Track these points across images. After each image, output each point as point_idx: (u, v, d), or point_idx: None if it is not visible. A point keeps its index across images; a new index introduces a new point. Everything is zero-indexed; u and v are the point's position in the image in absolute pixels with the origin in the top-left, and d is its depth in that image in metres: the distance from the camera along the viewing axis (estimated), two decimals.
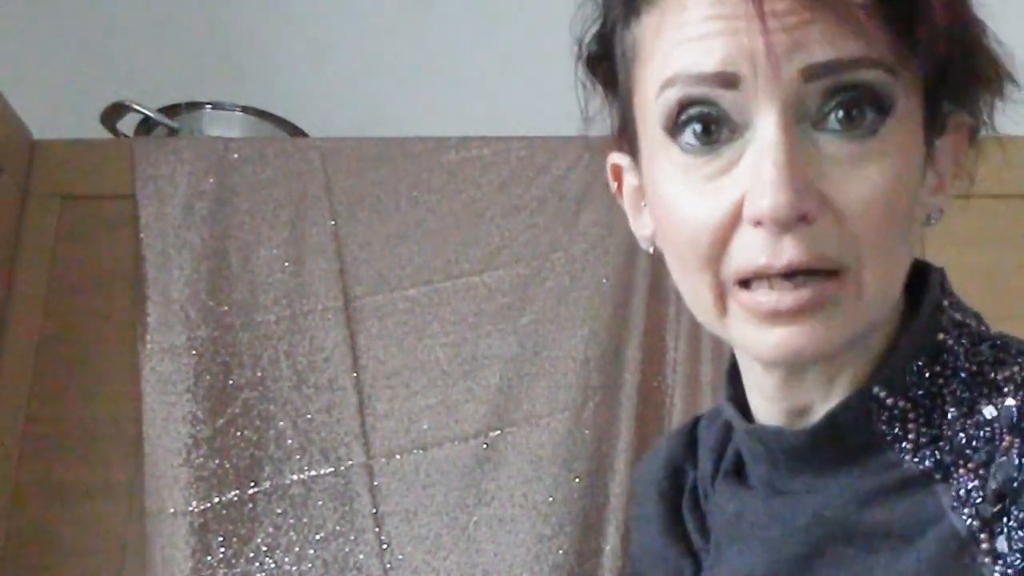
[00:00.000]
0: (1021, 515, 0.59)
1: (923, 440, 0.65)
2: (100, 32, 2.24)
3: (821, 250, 0.63)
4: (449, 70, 2.23)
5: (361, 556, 1.57)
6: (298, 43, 2.25)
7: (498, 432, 1.60)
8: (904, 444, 0.65)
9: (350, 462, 1.60)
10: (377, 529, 1.57)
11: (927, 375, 0.67)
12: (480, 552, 1.56)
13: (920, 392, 0.66)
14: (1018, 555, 0.58)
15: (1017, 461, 0.60)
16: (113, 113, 1.82)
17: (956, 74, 0.71)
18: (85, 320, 1.70)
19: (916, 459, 0.65)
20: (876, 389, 0.67)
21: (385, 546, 1.57)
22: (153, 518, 1.56)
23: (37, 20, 2.24)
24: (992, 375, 0.66)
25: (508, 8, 2.29)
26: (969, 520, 0.61)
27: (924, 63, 0.66)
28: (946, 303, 0.70)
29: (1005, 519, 0.59)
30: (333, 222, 1.72)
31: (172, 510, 1.55)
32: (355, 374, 1.64)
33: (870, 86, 0.64)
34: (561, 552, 1.53)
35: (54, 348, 1.69)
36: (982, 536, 0.60)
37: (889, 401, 0.66)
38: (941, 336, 0.68)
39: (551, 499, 1.56)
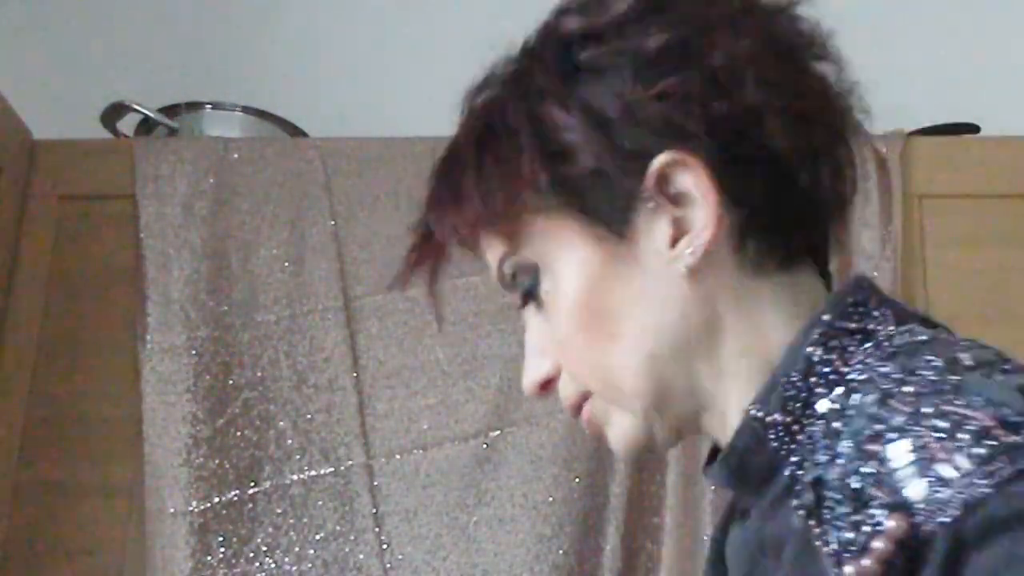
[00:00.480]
0: (834, 506, 0.58)
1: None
2: (100, 32, 2.24)
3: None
4: (449, 70, 2.22)
5: (361, 556, 1.57)
6: (298, 43, 2.25)
7: (498, 432, 1.60)
8: (791, 456, 0.66)
9: (350, 462, 1.60)
10: (377, 529, 1.57)
11: (801, 388, 0.66)
12: (480, 552, 1.56)
13: (798, 405, 0.66)
14: (835, 544, 0.58)
15: (825, 457, 0.61)
16: (113, 113, 1.82)
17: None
18: (85, 320, 1.70)
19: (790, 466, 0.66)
20: (753, 410, 0.67)
21: (385, 546, 1.57)
22: (153, 518, 1.56)
23: (36, 20, 2.24)
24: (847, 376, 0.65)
25: (508, 8, 2.29)
26: (802, 515, 0.61)
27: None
28: (827, 317, 0.67)
29: (822, 511, 0.59)
30: (333, 222, 1.72)
31: (172, 510, 1.55)
32: (355, 374, 1.64)
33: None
34: (561, 552, 1.53)
35: (54, 348, 1.69)
36: (814, 530, 0.60)
37: (769, 419, 0.66)
38: (810, 349, 0.66)
39: (551, 499, 1.56)
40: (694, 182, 0.68)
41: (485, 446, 1.59)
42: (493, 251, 0.75)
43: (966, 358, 0.61)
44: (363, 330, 1.66)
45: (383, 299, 1.68)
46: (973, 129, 1.85)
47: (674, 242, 0.69)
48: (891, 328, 0.67)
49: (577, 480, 1.56)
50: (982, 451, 0.55)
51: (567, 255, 0.71)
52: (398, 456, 1.60)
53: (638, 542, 1.56)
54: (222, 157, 1.75)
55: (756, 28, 0.71)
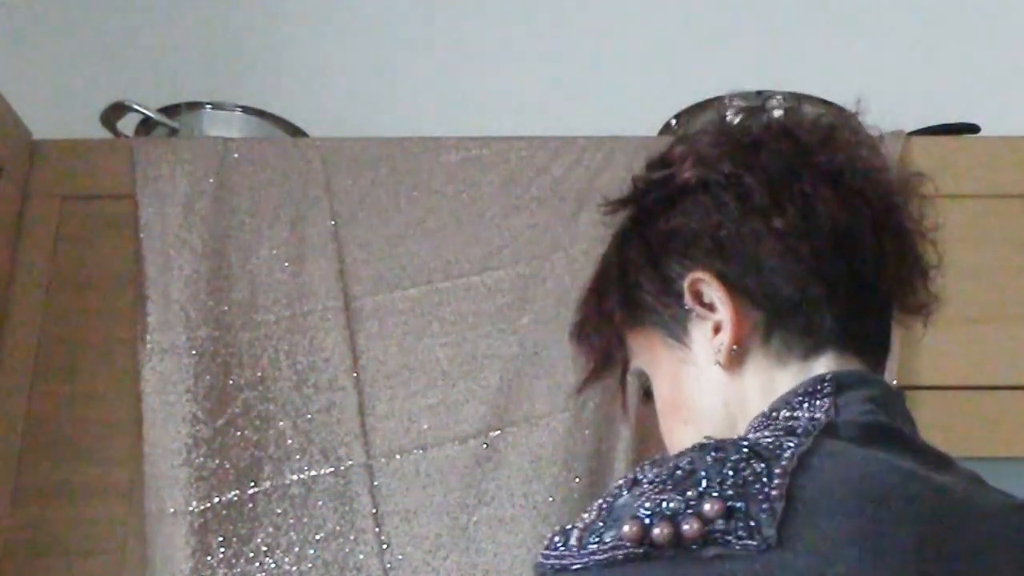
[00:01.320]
0: None
1: None
2: (100, 32, 2.24)
3: None
4: (449, 70, 2.23)
5: (361, 556, 1.57)
6: (298, 43, 2.25)
7: (498, 432, 1.60)
8: None
9: (350, 462, 1.60)
10: (377, 529, 1.57)
11: None
12: (480, 552, 1.56)
13: None
14: None
15: None
16: (113, 113, 1.82)
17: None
18: (85, 320, 1.70)
19: None
20: None
21: (385, 546, 1.57)
22: (153, 518, 1.56)
23: (37, 20, 2.24)
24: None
25: (508, 9, 2.29)
26: None
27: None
28: (765, 409, 0.80)
29: None
30: (333, 222, 1.72)
31: (172, 510, 1.55)
32: (355, 374, 1.64)
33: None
34: None
35: (54, 348, 1.69)
36: None
37: None
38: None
39: (551, 499, 1.56)
40: (714, 291, 0.83)
41: (485, 446, 1.59)
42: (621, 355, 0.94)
43: (647, 476, 0.71)
44: (363, 330, 1.66)
45: (383, 299, 1.68)
46: (973, 129, 1.85)
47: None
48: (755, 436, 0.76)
49: (577, 480, 1.56)
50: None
51: (657, 365, 0.89)
52: (398, 456, 1.61)
53: None
54: (222, 157, 1.75)
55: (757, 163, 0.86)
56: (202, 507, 1.56)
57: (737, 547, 0.63)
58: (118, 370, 1.66)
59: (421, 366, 1.64)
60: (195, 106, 1.87)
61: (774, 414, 0.77)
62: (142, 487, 1.58)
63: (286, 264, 1.69)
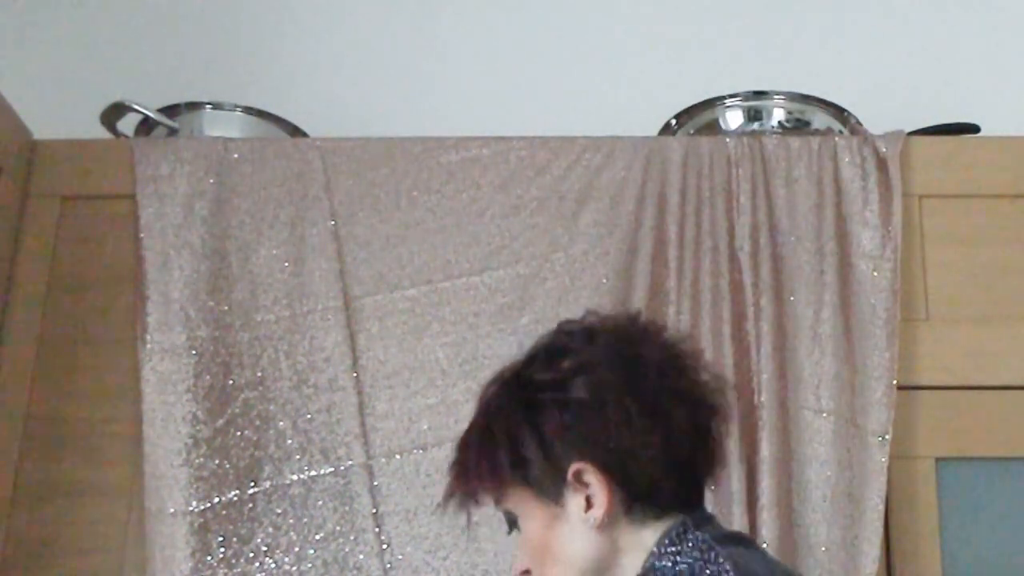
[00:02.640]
0: None
1: None
2: (100, 32, 2.24)
3: None
4: (449, 70, 2.23)
5: (361, 556, 1.57)
6: (298, 43, 2.25)
7: None
8: None
9: (350, 462, 1.60)
10: (377, 529, 1.58)
11: None
12: (480, 552, 1.56)
13: None
14: None
15: None
16: (113, 113, 1.82)
17: None
18: (85, 320, 1.70)
19: None
20: None
21: (385, 546, 1.57)
22: (153, 518, 1.56)
23: (37, 20, 2.25)
24: None
25: (508, 9, 2.29)
26: None
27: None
28: (653, 549, 1.11)
29: None
30: (333, 222, 1.72)
31: (172, 510, 1.55)
32: (355, 374, 1.64)
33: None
34: None
35: (54, 348, 1.69)
36: None
37: None
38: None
39: None
40: (593, 478, 1.10)
41: None
42: (491, 499, 1.18)
43: None
44: (363, 330, 1.66)
45: (383, 299, 1.68)
46: (973, 129, 1.85)
47: (587, 509, 1.10)
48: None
49: None
50: None
51: (530, 514, 1.14)
52: (398, 456, 1.61)
53: None
54: (222, 157, 1.75)
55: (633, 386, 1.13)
56: (202, 507, 1.56)
57: None
58: (118, 370, 1.66)
59: (421, 366, 1.64)
60: (195, 106, 1.88)
61: (663, 551, 1.09)
62: (142, 487, 1.58)
63: (286, 264, 1.69)
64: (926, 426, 1.64)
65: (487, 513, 1.56)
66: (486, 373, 1.63)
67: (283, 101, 1.95)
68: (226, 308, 1.66)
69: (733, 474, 1.54)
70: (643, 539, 1.11)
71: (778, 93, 1.84)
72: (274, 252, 1.70)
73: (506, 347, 1.64)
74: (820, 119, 1.82)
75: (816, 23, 2.25)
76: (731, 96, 1.85)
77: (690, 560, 1.08)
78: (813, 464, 1.58)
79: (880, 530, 1.54)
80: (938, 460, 1.63)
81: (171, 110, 1.85)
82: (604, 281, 1.67)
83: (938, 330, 1.68)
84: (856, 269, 1.66)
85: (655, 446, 1.12)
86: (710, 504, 1.53)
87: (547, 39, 2.26)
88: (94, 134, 1.84)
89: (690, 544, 1.10)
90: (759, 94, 1.85)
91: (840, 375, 1.61)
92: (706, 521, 1.15)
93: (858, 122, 1.83)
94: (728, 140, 1.75)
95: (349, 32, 2.27)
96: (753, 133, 1.80)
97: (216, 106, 1.88)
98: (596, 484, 1.10)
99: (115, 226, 1.73)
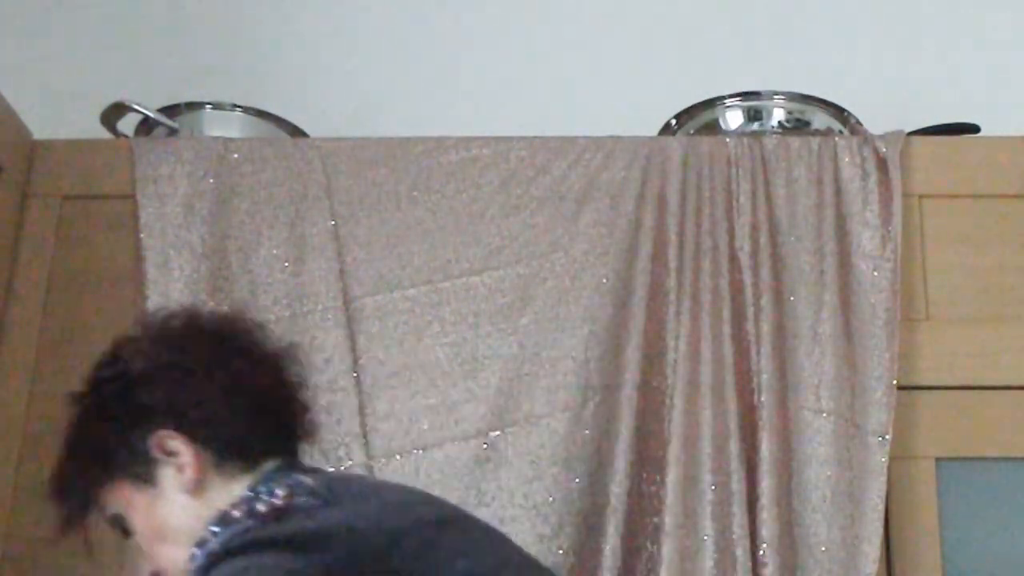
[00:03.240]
0: None
1: None
2: (100, 32, 2.24)
3: None
4: (449, 70, 2.23)
5: None
6: (298, 43, 2.25)
7: (498, 432, 1.60)
8: None
9: (350, 462, 1.60)
10: None
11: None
12: None
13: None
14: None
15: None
16: (113, 113, 1.82)
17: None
18: (85, 320, 1.70)
19: None
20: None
21: None
22: None
23: (37, 20, 2.25)
24: None
25: (508, 9, 2.29)
26: None
27: None
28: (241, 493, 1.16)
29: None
30: (333, 222, 1.72)
31: None
32: (355, 374, 1.64)
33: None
34: (561, 552, 1.53)
35: (54, 348, 1.69)
36: None
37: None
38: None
39: (551, 499, 1.56)
40: (178, 444, 1.16)
41: (485, 446, 1.59)
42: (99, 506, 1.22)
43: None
44: (363, 330, 1.66)
45: (383, 299, 1.68)
46: (973, 129, 1.85)
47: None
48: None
49: (577, 480, 1.56)
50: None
51: (133, 507, 1.19)
52: (398, 456, 1.60)
53: (638, 542, 1.56)
54: (222, 157, 1.75)
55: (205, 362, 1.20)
56: None
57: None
58: None
59: (421, 366, 1.64)
60: (195, 106, 1.88)
61: (254, 492, 1.14)
62: None
63: (286, 264, 1.69)
64: (926, 426, 1.64)
65: (487, 513, 1.56)
66: (486, 373, 1.65)
67: (283, 101, 1.95)
68: (226, 308, 1.66)
69: (733, 474, 1.54)
70: (234, 491, 1.16)
71: (778, 93, 1.84)
72: (274, 252, 1.70)
73: (506, 347, 1.64)
74: (820, 119, 1.82)
75: (816, 23, 2.25)
76: (731, 96, 1.85)
77: (277, 490, 1.11)
78: (813, 464, 1.58)
79: (880, 530, 1.54)
80: (938, 460, 1.63)
81: (171, 110, 1.85)
82: (604, 281, 1.67)
83: (938, 330, 1.68)
84: (856, 269, 1.66)
85: (225, 402, 1.18)
86: (710, 504, 1.54)
87: (547, 39, 2.26)
88: (94, 134, 1.84)
89: (279, 480, 1.14)
90: (759, 94, 1.85)
91: (840, 375, 1.61)
92: (300, 465, 1.20)
93: (858, 122, 1.83)
94: (728, 140, 1.75)
95: (349, 32, 2.27)
96: (753, 133, 1.80)
97: (216, 106, 1.88)
98: (182, 449, 1.16)
99: (115, 226, 1.73)
